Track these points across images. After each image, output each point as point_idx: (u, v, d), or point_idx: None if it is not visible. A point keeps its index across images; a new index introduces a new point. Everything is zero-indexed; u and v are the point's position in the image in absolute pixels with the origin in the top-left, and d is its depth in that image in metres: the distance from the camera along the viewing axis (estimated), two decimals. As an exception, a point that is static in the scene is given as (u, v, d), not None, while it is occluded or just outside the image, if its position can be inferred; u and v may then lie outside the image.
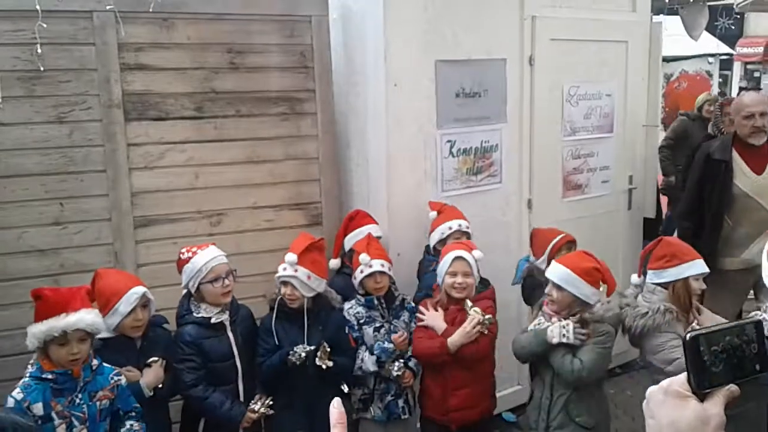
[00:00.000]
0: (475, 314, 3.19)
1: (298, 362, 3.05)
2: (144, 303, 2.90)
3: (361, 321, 3.37)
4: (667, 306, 3.04)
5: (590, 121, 4.74)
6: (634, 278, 3.28)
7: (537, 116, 4.40)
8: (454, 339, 3.17)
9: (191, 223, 3.64)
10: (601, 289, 3.15)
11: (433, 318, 3.26)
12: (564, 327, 3.02)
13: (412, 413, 3.48)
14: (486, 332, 3.19)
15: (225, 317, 3.09)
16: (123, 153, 3.45)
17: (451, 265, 3.24)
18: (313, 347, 3.09)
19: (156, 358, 2.92)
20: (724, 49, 17.19)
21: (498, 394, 3.61)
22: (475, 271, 3.28)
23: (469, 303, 3.25)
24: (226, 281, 3.05)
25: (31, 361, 2.59)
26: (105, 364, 2.71)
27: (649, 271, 3.17)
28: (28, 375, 2.55)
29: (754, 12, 13.13)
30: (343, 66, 4.03)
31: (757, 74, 18.72)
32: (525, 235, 4.33)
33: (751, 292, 4.32)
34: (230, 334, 3.10)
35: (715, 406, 0.89)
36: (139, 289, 2.87)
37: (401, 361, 3.30)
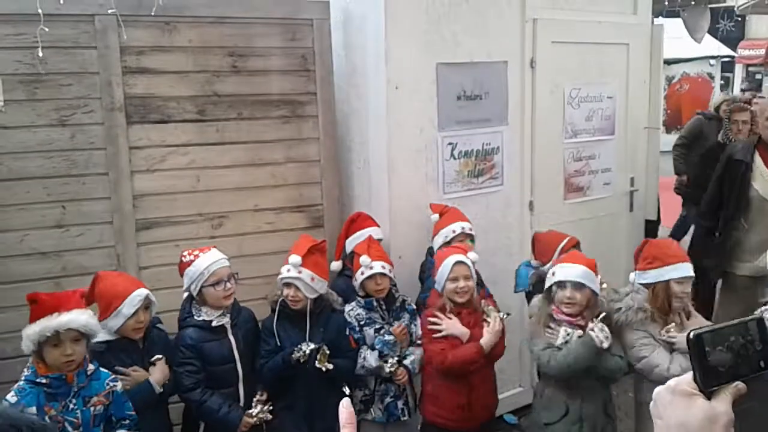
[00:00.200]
0: (494, 312, 3.24)
1: (302, 359, 3.05)
2: (146, 305, 2.91)
3: (362, 322, 3.37)
4: (642, 305, 3.10)
5: (592, 123, 4.74)
6: (632, 276, 3.30)
7: (538, 118, 4.40)
8: (487, 340, 3.19)
9: (193, 225, 3.65)
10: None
11: (453, 326, 3.22)
12: (602, 330, 3.00)
13: (412, 415, 3.48)
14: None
15: (226, 320, 3.09)
16: (125, 156, 3.46)
17: (452, 270, 3.22)
18: (315, 346, 3.09)
19: (159, 356, 2.95)
20: (726, 51, 17.20)
21: (500, 396, 3.61)
22: (474, 273, 3.29)
23: (485, 303, 3.29)
24: (228, 284, 3.05)
25: (27, 365, 2.59)
26: (102, 369, 2.71)
27: (636, 272, 3.23)
28: (23, 378, 2.56)
29: (756, 14, 13.12)
30: (344, 69, 4.04)
31: (758, 76, 18.72)
32: (526, 237, 4.33)
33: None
34: (231, 338, 3.10)
35: (723, 404, 0.89)
36: (142, 292, 2.88)
37: (395, 358, 3.30)
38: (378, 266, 3.32)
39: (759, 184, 4.13)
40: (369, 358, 3.28)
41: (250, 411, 3.05)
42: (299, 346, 3.07)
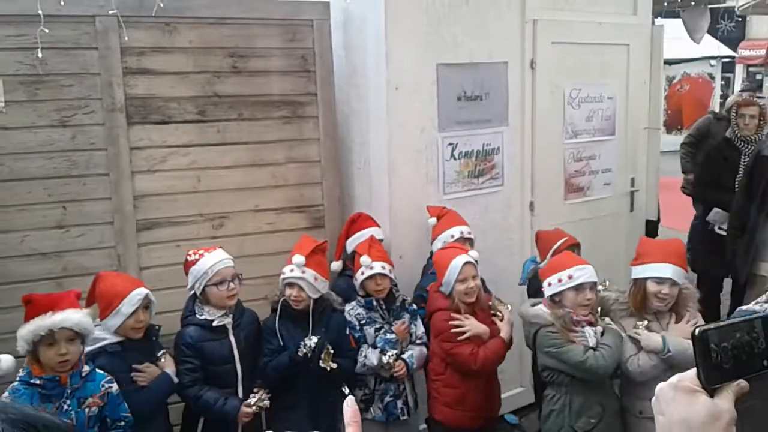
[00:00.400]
0: (503, 306, 3.33)
1: (309, 354, 3.05)
2: (145, 304, 2.91)
3: (362, 322, 3.38)
4: (618, 298, 3.21)
5: (592, 123, 4.75)
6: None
7: (538, 119, 4.40)
8: (507, 332, 3.30)
9: (194, 226, 3.65)
10: None
11: (475, 326, 3.26)
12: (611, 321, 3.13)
13: (411, 414, 3.49)
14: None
15: (227, 320, 3.10)
16: (126, 156, 3.47)
17: (461, 271, 3.22)
18: (318, 338, 3.10)
19: (163, 351, 3.00)
20: (726, 51, 17.20)
21: (501, 396, 3.62)
22: (478, 272, 3.31)
23: (495, 298, 3.39)
24: (232, 284, 3.06)
25: (22, 365, 2.60)
26: (97, 371, 2.71)
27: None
28: (17, 379, 2.56)
29: (756, 15, 13.12)
30: (344, 69, 4.04)
31: (759, 77, 18.70)
32: (527, 237, 4.34)
33: None
34: (232, 338, 3.11)
35: (726, 401, 0.89)
36: (142, 291, 2.89)
37: (393, 352, 3.30)
38: (378, 266, 3.33)
39: None
40: (370, 356, 3.29)
41: (248, 401, 3.06)
42: (303, 341, 3.08)
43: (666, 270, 3.08)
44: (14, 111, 3.25)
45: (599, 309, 3.16)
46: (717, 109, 6.65)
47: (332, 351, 3.11)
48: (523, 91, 4.30)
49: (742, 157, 4.85)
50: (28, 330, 2.51)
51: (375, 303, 3.39)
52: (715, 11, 10.33)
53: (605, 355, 2.98)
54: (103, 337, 2.86)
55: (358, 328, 3.37)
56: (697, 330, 0.91)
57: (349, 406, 0.92)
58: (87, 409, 2.63)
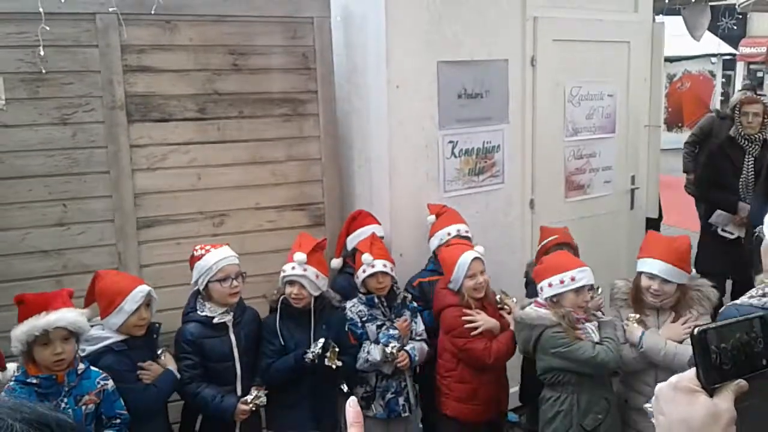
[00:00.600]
0: (508, 299, 3.36)
1: (316, 360, 3.06)
2: (147, 302, 2.92)
3: (364, 319, 3.39)
4: (623, 287, 3.24)
5: (592, 121, 4.75)
6: None
7: (539, 117, 4.40)
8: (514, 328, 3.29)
9: (194, 224, 3.65)
10: None
11: (487, 320, 3.31)
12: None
13: (413, 411, 3.50)
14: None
15: (228, 318, 3.10)
16: (126, 154, 3.47)
17: (470, 267, 3.26)
18: (322, 341, 3.10)
19: (162, 348, 3.01)
20: (727, 49, 17.18)
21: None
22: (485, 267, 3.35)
23: (501, 292, 3.43)
24: (235, 282, 3.07)
25: (17, 365, 2.59)
26: (92, 368, 2.72)
27: None
28: (13, 379, 2.56)
29: (757, 12, 13.10)
30: (345, 67, 4.04)
31: (760, 74, 18.68)
32: (527, 235, 4.34)
33: None
34: (232, 336, 3.11)
35: (726, 401, 0.89)
36: (144, 288, 2.90)
37: (397, 344, 3.30)
38: (380, 265, 3.34)
39: None
40: (373, 352, 3.30)
41: (245, 398, 3.06)
42: (310, 348, 3.08)
43: (654, 266, 3.09)
44: (15, 109, 3.25)
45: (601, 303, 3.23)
46: (718, 107, 6.58)
47: (338, 349, 3.13)
48: (523, 88, 4.30)
49: (746, 156, 4.80)
50: (22, 330, 2.50)
51: (377, 300, 3.39)
52: (716, 8, 10.32)
53: (611, 348, 3.00)
54: (106, 336, 2.87)
55: (360, 325, 3.37)
56: (696, 330, 0.91)
57: (352, 406, 0.92)
58: (84, 407, 2.64)
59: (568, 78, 4.53)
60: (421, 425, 3.79)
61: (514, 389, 4.37)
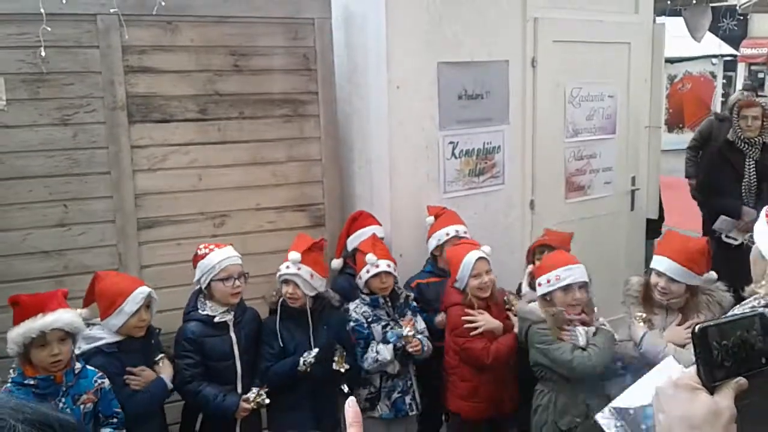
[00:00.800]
0: (516, 300, 3.34)
1: (309, 369, 3.07)
2: (147, 303, 2.92)
3: (369, 320, 3.39)
4: (634, 285, 3.22)
5: (593, 122, 4.74)
6: None
7: (539, 118, 4.40)
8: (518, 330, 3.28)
9: (194, 224, 3.66)
10: None
11: (489, 321, 3.31)
12: (605, 322, 3.15)
13: (419, 409, 3.50)
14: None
15: (229, 317, 3.10)
16: (127, 155, 3.47)
17: (474, 267, 3.27)
18: (318, 349, 3.10)
19: (161, 355, 2.98)
20: (728, 50, 17.17)
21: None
22: (491, 267, 3.35)
23: (508, 293, 3.41)
24: (237, 282, 3.08)
25: (13, 366, 2.58)
26: (89, 367, 2.72)
27: None
28: (9, 381, 2.54)
29: (758, 13, 13.10)
30: (345, 68, 4.04)
31: (761, 75, 18.68)
32: (527, 236, 4.34)
33: None
34: (233, 335, 3.12)
35: (726, 398, 0.90)
36: (145, 289, 2.90)
37: (410, 328, 3.30)
38: (384, 265, 3.35)
39: None
40: (383, 351, 3.29)
41: (247, 396, 3.06)
42: (303, 357, 3.08)
43: (663, 264, 3.08)
44: (16, 109, 3.25)
45: (595, 309, 3.16)
46: (719, 108, 6.54)
47: (345, 353, 3.14)
48: (524, 89, 4.30)
49: (746, 159, 4.75)
50: (18, 333, 2.49)
51: (382, 301, 3.39)
52: (717, 9, 10.31)
53: (592, 356, 3.00)
54: (100, 336, 2.86)
55: (365, 326, 3.37)
56: (697, 327, 0.91)
57: (350, 406, 0.92)
58: (82, 406, 2.64)
59: (569, 79, 4.53)
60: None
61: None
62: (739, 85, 16.86)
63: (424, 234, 3.83)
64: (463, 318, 3.29)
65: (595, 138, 4.78)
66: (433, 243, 3.68)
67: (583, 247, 3.70)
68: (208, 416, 3.11)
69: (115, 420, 2.74)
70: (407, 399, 3.43)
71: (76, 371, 2.65)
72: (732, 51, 17.69)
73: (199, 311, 3.09)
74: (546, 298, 3.14)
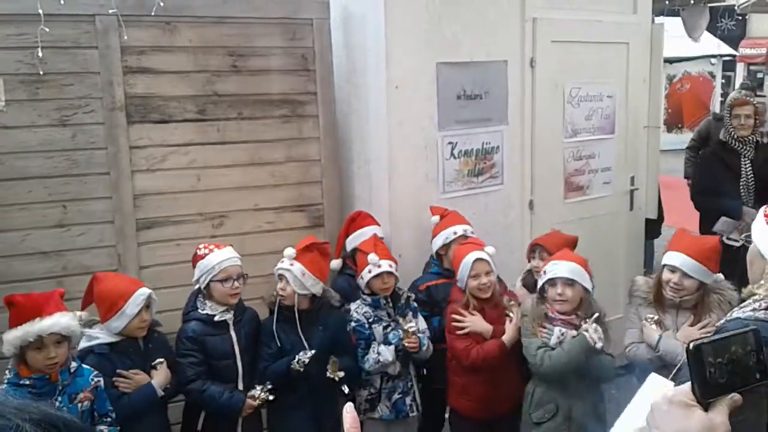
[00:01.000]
0: (515, 308, 3.28)
1: (302, 369, 3.07)
2: (147, 304, 2.92)
3: (370, 320, 3.38)
4: (642, 285, 3.21)
5: (591, 122, 4.75)
6: None
7: (538, 118, 4.40)
8: (510, 336, 3.24)
9: (193, 225, 3.66)
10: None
11: (477, 322, 3.28)
12: (596, 330, 3.01)
13: (420, 411, 3.50)
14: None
15: (229, 316, 3.11)
16: (126, 155, 3.47)
17: (473, 267, 3.26)
18: (314, 351, 3.10)
19: (161, 360, 2.96)
20: (726, 50, 17.19)
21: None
22: (494, 267, 3.32)
23: (507, 298, 3.34)
24: (236, 283, 3.08)
25: (9, 367, 2.58)
26: (84, 366, 2.71)
27: None
28: (5, 382, 2.54)
29: (756, 13, 13.11)
30: (344, 68, 4.04)
31: (760, 75, 18.68)
32: (527, 236, 4.34)
33: None
34: (233, 334, 3.12)
35: (720, 415, 0.90)
36: (145, 291, 2.90)
37: (413, 325, 3.30)
38: (386, 265, 3.34)
39: None
40: (385, 352, 3.28)
41: (252, 393, 3.07)
42: (298, 357, 3.08)
43: (677, 259, 3.06)
44: (14, 110, 3.25)
45: (597, 315, 3.09)
46: (718, 108, 6.55)
47: (337, 360, 3.15)
48: (522, 89, 4.31)
49: (742, 158, 4.72)
50: (15, 336, 2.48)
51: (382, 301, 3.39)
52: (716, 9, 10.33)
53: (552, 357, 3.03)
54: (95, 336, 2.85)
55: (366, 326, 3.37)
56: (691, 344, 0.91)
57: (348, 411, 0.93)
58: (80, 404, 2.64)
59: (568, 79, 4.53)
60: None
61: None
62: (738, 85, 16.88)
63: (423, 234, 3.83)
64: (452, 316, 3.30)
65: (594, 138, 4.78)
66: (439, 241, 3.65)
67: (581, 247, 3.69)
68: (211, 415, 3.11)
69: (108, 420, 2.74)
70: (407, 400, 3.43)
71: (72, 370, 2.65)
72: (731, 51, 17.71)
73: (199, 311, 3.09)
74: (543, 294, 3.18)
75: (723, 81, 17.70)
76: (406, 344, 3.27)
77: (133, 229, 3.52)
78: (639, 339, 3.14)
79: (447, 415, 3.72)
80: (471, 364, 3.26)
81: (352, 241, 3.67)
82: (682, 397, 0.92)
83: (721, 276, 3.16)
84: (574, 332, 3.06)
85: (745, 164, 4.71)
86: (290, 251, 3.17)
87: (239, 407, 3.04)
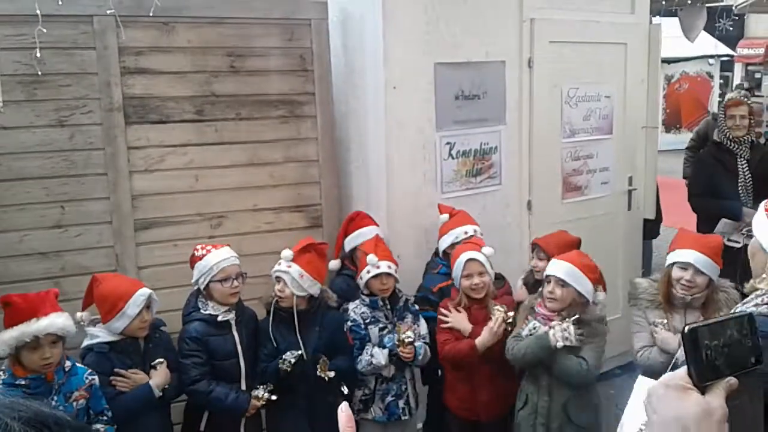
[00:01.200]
0: (498, 313, 3.23)
1: (288, 369, 3.07)
2: (147, 304, 2.92)
3: (367, 321, 3.38)
4: (648, 288, 3.20)
5: (589, 122, 4.75)
6: None
7: (536, 118, 4.41)
8: (483, 339, 3.20)
9: (192, 225, 3.66)
10: (597, 290, 3.18)
11: (458, 320, 3.29)
12: (565, 329, 3.00)
13: (413, 414, 3.49)
14: (510, 329, 3.22)
15: (231, 316, 3.12)
16: (123, 156, 3.47)
17: (465, 267, 3.26)
18: (301, 352, 3.10)
19: (161, 360, 2.95)
20: (724, 50, 17.21)
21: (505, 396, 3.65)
22: (489, 268, 3.31)
23: (492, 303, 3.30)
24: (235, 282, 3.09)
25: (3, 368, 2.58)
26: (78, 365, 2.72)
27: None
28: (1, 382, 2.54)
29: (754, 13, 13.13)
30: (342, 69, 4.05)
31: (758, 75, 18.71)
32: (525, 236, 4.35)
33: None
34: (235, 334, 3.13)
35: (717, 398, 0.90)
36: (146, 291, 2.90)
37: (411, 334, 3.28)
38: (385, 266, 3.34)
39: None
40: (378, 355, 3.27)
41: (256, 393, 3.08)
42: (284, 357, 3.09)
43: (689, 256, 3.06)
44: (12, 111, 3.25)
45: (576, 317, 3.06)
46: (716, 108, 6.56)
47: (327, 360, 3.14)
48: (520, 90, 4.31)
49: (738, 159, 4.70)
50: (11, 336, 2.48)
51: (380, 302, 3.38)
52: (713, 10, 10.35)
53: (515, 347, 3.11)
54: (95, 335, 2.85)
55: (363, 327, 3.37)
56: (687, 328, 0.92)
57: (343, 411, 0.93)
58: (75, 403, 2.64)
59: (565, 79, 4.53)
60: (420, 426, 3.78)
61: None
62: (734, 87, 16.91)
63: (422, 234, 3.84)
64: (440, 309, 3.36)
65: (592, 138, 4.78)
66: (448, 240, 3.62)
67: (580, 247, 3.69)
68: (214, 415, 3.11)
69: (105, 417, 2.75)
70: (401, 403, 3.41)
71: (66, 369, 2.65)
72: (729, 51, 17.73)
73: (201, 311, 3.10)
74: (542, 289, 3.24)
75: (721, 81, 17.73)
76: (401, 353, 3.25)
77: (131, 230, 3.52)
78: (649, 342, 3.12)
79: None
80: (442, 358, 3.33)
81: (351, 242, 3.67)
82: (679, 381, 0.92)
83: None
84: (546, 329, 3.07)
85: (742, 164, 4.70)
86: (287, 253, 3.17)
87: (245, 407, 3.05)
